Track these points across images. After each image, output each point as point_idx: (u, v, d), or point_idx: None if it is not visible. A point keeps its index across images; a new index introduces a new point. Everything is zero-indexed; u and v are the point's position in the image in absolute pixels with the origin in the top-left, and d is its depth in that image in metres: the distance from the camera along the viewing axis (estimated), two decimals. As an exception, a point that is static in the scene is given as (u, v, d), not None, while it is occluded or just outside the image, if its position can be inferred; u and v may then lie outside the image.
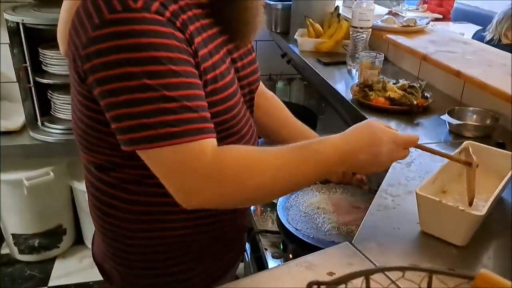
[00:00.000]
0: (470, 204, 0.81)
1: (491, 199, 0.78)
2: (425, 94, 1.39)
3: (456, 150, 0.91)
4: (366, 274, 0.42)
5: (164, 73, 0.66)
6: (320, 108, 2.49)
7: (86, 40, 0.67)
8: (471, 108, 1.26)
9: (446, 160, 0.86)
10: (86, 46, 0.67)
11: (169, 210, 0.80)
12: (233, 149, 0.74)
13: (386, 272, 0.43)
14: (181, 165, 0.68)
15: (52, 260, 2.44)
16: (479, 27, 3.37)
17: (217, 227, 0.89)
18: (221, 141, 0.75)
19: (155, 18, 0.66)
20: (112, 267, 0.91)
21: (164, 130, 0.66)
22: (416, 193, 0.77)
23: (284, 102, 1.13)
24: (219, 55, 0.78)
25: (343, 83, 1.65)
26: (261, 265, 1.49)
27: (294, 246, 1.28)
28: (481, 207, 0.78)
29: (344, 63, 1.77)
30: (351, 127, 0.79)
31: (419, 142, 0.82)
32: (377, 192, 0.94)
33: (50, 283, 2.30)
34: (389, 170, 1.01)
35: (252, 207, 1.66)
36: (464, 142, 0.94)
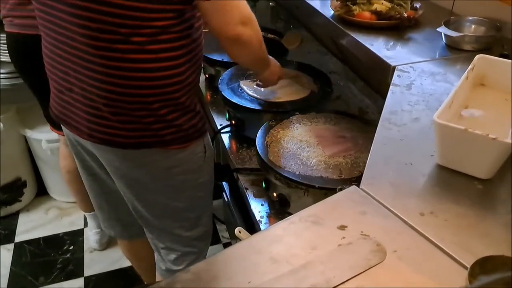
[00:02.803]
0: None
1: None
2: (414, 5, 1.23)
3: (469, 67, 0.78)
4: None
5: None
6: (289, 31, 2.29)
7: None
8: (470, 18, 1.12)
9: (451, 79, 0.73)
10: None
11: None
12: None
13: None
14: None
15: (15, 215, 2.30)
16: None
17: None
18: None
19: None
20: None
21: None
22: (435, 122, 0.64)
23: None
24: None
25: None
26: (243, 205, 1.39)
27: (280, 185, 1.17)
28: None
29: (317, -25, 1.57)
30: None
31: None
32: (379, 122, 0.81)
33: (17, 239, 2.17)
34: (388, 95, 0.88)
35: (226, 143, 1.53)
36: (477, 56, 0.81)
